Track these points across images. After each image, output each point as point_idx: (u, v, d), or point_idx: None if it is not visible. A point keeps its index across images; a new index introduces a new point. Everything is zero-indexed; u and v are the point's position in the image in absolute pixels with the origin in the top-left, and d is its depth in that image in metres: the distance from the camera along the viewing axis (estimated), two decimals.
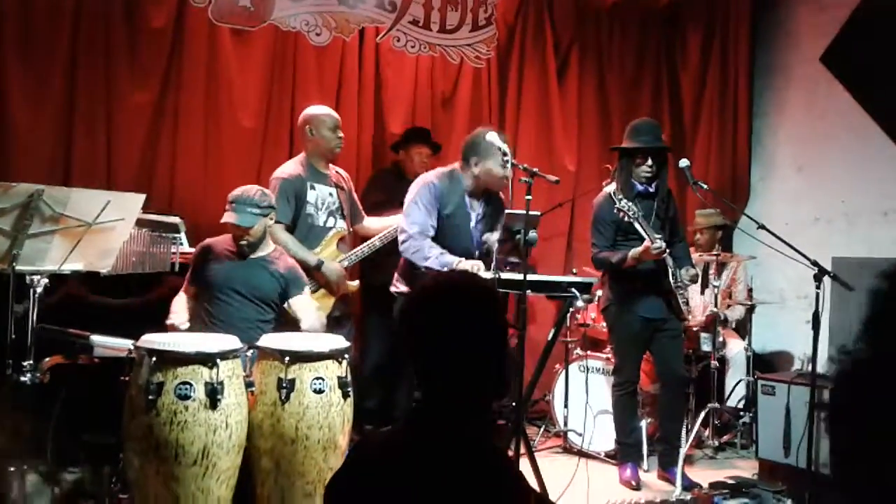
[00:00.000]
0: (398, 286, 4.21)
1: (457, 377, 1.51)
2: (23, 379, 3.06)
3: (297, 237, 4.18)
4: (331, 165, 4.43)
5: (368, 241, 4.41)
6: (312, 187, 4.26)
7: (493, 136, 3.97)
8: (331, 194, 4.33)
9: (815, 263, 4.06)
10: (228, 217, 3.60)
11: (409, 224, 4.03)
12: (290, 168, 4.27)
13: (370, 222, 4.58)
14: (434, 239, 4.04)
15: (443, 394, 1.52)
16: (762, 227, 4.20)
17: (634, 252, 4.14)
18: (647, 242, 4.07)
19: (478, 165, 4.07)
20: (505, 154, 3.86)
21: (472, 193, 4.15)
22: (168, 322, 3.52)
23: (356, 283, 4.39)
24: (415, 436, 1.51)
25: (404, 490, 1.42)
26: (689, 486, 4.15)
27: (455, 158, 5.36)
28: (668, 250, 4.18)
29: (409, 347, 1.56)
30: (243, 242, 3.66)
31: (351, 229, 4.45)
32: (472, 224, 4.16)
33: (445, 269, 3.84)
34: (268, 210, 3.69)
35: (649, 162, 4.27)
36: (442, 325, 1.53)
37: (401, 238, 4.06)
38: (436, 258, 3.92)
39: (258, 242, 3.70)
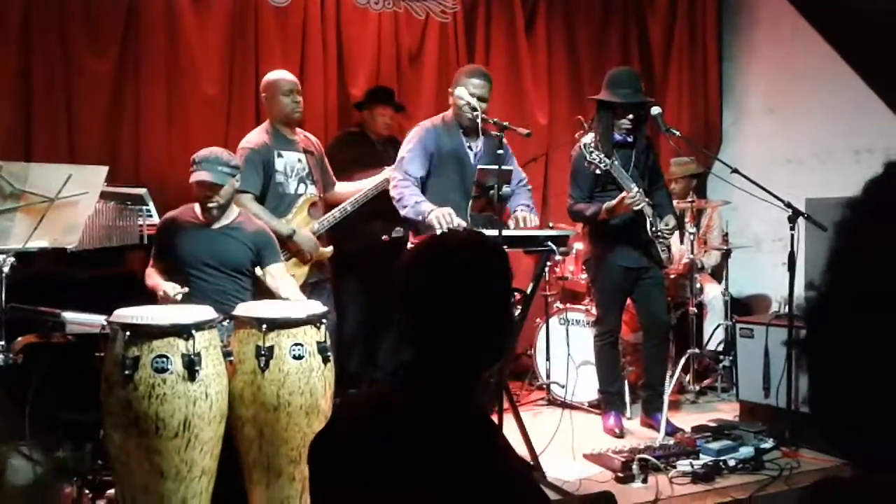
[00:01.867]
0: (412, 240, 4.18)
1: (454, 340, 1.45)
2: None
3: (267, 206, 4.13)
4: (298, 130, 4.36)
5: (340, 206, 4.35)
6: (280, 154, 4.19)
7: (466, 69, 4.05)
8: (300, 160, 4.26)
9: (788, 205, 4.08)
10: (200, 175, 3.50)
11: (397, 170, 4.07)
12: (256, 137, 4.19)
13: (341, 187, 4.52)
14: (432, 181, 4.06)
15: (436, 355, 1.46)
16: (735, 171, 4.20)
17: (608, 204, 4.14)
18: (624, 193, 4.05)
19: (451, 98, 4.09)
20: (473, 86, 3.94)
21: (466, 131, 4.11)
22: (161, 294, 3.44)
23: (329, 248, 4.34)
24: (402, 396, 1.47)
25: (388, 450, 1.39)
26: (672, 431, 4.20)
27: (424, 117, 5.30)
28: (646, 200, 4.17)
29: (406, 304, 1.49)
30: (212, 204, 3.54)
31: (322, 195, 4.38)
32: (472, 161, 4.11)
33: (419, 217, 3.83)
34: (235, 170, 3.61)
35: (630, 116, 4.24)
36: (445, 285, 1.45)
37: (392, 181, 4.07)
38: (411, 207, 3.91)
39: (227, 205, 3.62)
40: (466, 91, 4.00)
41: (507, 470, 1.39)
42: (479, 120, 3.88)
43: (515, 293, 1.62)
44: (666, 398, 4.42)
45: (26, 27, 4.45)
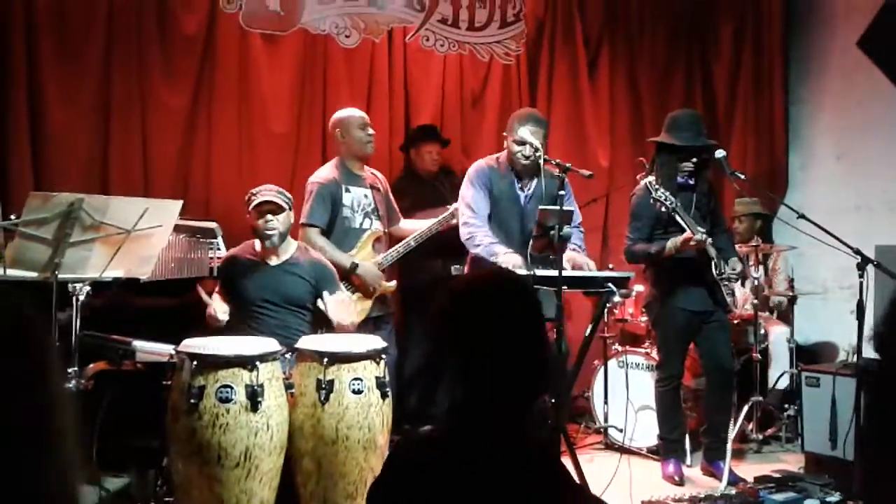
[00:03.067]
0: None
1: (495, 373, 1.48)
2: (68, 385, 3.11)
3: (333, 240, 4.22)
4: (366, 167, 4.45)
5: (403, 242, 4.43)
6: (347, 190, 4.29)
7: (519, 114, 4.11)
8: (366, 196, 4.36)
9: (857, 252, 3.98)
10: (263, 196, 3.64)
11: (465, 209, 4.15)
12: (325, 172, 4.32)
13: (406, 223, 4.60)
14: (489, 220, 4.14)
15: (482, 391, 1.50)
16: (802, 216, 4.12)
17: (674, 242, 4.09)
18: (687, 233, 4.02)
19: (505, 142, 4.16)
20: (527, 132, 4.00)
21: (519, 173, 4.16)
22: (208, 312, 3.54)
23: (393, 283, 4.40)
24: (456, 435, 1.49)
25: (445, 488, 1.40)
26: (734, 480, 4.09)
27: (484, 157, 5.38)
28: (709, 240, 4.12)
29: (448, 345, 1.55)
30: (272, 231, 3.65)
31: (387, 230, 4.46)
32: (522, 204, 4.16)
33: (491, 257, 3.89)
34: (290, 203, 3.74)
35: (693, 159, 4.21)
36: (478, 320, 1.51)
37: (462, 223, 4.15)
38: (485, 247, 4.00)
39: (285, 234, 3.72)
40: (513, 138, 4.09)
41: (570, 497, 1.40)
42: (541, 160, 3.90)
43: (546, 322, 1.67)
44: (729, 446, 4.31)
45: (106, 63, 4.66)
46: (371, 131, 4.39)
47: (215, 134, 4.91)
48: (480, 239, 4.02)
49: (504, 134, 4.23)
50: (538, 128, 4.09)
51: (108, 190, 4.44)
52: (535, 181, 4.19)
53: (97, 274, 3.11)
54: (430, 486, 1.43)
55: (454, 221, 4.36)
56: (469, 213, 4.11)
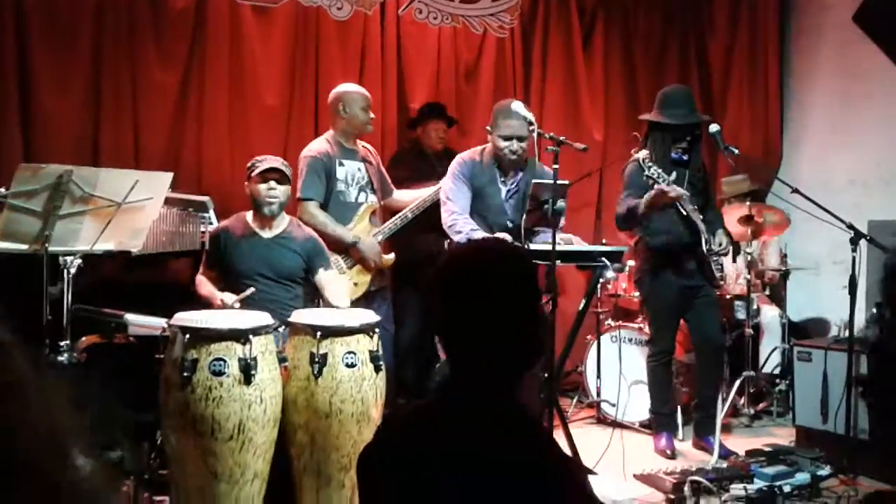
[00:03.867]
0: None
1: (490, 344, 1.46)
2: (60, 359, 3.10)
3: (329, 214, 4.20)
4: (358, 141, 4.43)
5: (400, 214, 4.43)
6: (341, 164, 4.28)
7: (502, 109, 3.98)
8: (359, 169, 4.35)
9: (850, 227, 3.99)
10: (271, 163, 3.61)
11: (450, 201, 4.11)
12: (319, 145, 4.28)
13: (400, 195, 4.59)
14: (470, 214, 4.11)
15: (475, 363, 1.48)
16: (796, 190, 4.12)
17: (648, 195, 4.06)
18: (660, 186, 3.98)
19: (490, 136, 4.11)
20: (509, 128, 3.91)
21: (501, 167, 4.13)
22: (219, 304, 3.50)
23: (391, 256, 4.41)
24: (446, 407, 1.48)
25: (436, 461, 1.40)
26: (725, 454, 4.12)
27: (480, 131, 5.33)
28: (686, 194, 4.08)
29: (440, 315, 1.51)
30: (274, 199, 3.62)
31: (381, 203, 4.45)
32: (503, 198, 4.14)
33: None
34: (290, 176, 3.72)
35: (688, 137, 4.20)
36: (474, 290, 1.47)
37: (444, 213, 4.12)
38: (465, 234, 3.97)
39: (285, 203, 3.69)
40: (499, 133, 4.05)
41: (557, 464, 1.39)
42: (535, 135, 3.87)
43: (542, 295, 1.64)
44: (719, 421, 4.35)
45: (97, 39, 4.60)
46: (373, 115, 4.41)
47: (206, 108, 4.86)
48: (461, 226, 4.01)
49: (487, 129, 4.18)
50: (520, 122, 3.99)
51: (98, 164, 4.39)
52: (518, 175, 4.16)
53: (88, 246, 3.09)
54: (419, 455, 1.42)
55: None
56: (450, 204, 4.10)
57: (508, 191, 4.17)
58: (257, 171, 3.62)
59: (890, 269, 0.79)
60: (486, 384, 1.47)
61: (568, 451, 3.65)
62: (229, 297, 3.48)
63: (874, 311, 0.82)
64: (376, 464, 1.49)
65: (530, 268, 1.56)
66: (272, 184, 3.61)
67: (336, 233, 4.08)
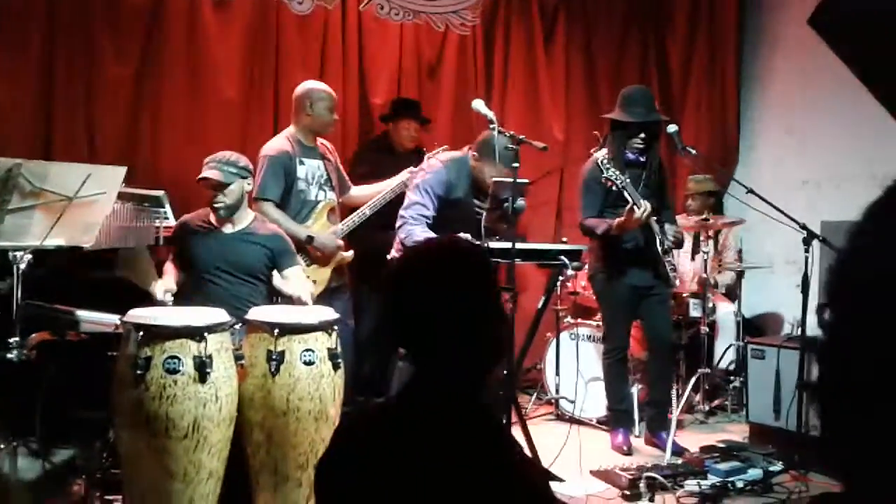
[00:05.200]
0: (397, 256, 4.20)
1: (451, 344, 1.43)
2: (9, 356, 3.02)
3: (289, 213, 4.18)
4: (316, 138, 4.40)
5: (358, 211, 4.41)
6: (301, 162, 4.24)
7: (492, 142, 3.92)
8: (319, 167, 4.33)
9: (803, 227, 4.07)
10: (206, 173, 3.56)
11: (408, 208, 4.03)
12: (278, 143, 4.24)
13: (357, 191, 4.57)
14: (439, 225, 4.01)
15: (436, 364, 1.44)
16: (751, 191, 4.19)
17: (618, 220, 4.12)
18: (628, 208, 4.03)
19: (478, 162, 4.05)
20: (497, 163, 3.83)
21: (478, 187, 4.11)
22: (152, 289, 3.46)
23: (350, 253, 4.39)
24: (407, 409, 1.45)
25: (395, 466, 1.37)
26: (678, 450, 4.18)
27: (442, 128, 5.35)
28: (654, 216, 4.15)
29: (398, 316, 1.47)
30: (219, 204, 3.57)
31: (339, 200, 4.42)
32: (478, 219, 4.11)
33: None
34: (244, 172, 3.65)
35: (642, 135, 4.25)
36: (433, 289, 1.44)
37: (399, 221, 4.06)
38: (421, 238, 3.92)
39: (235, 206, 3.63)
40: (492, 169, 3.93)
41: (524, 477, 1.38)
42: (495, 132, 3.86)
43: (503, 291, 1.61)
44: (674, 417, 4.40)
45: (49, 28, 4.51)
46: (336, 117, 4.38)
47: (163, 102, 4.79)
48: (417, 235, 3.93)
49: (473, 153, 4.08)
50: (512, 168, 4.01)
51: (50, 158, 4.31)
52: (486, 198, 4.14)
53: (38, 242, 3.02)
54: (378, 461, 1.39)
55: (406, 188, 4.34)
56: (411, 212, 4.01)
57: (485, 213, 4.15)
58: (199, 176, 3.57)
59: (832, 271, 0.80)
60: (448, 386, 1.43)
61: (527, 448, 3.67)
62: (160, 290, 3.45)
63: (817, 312, 0.83)
64: (335, 471, 1.46)
65: (489, 264, 1.53)
66: (213, 192, 3.57)
67: (290, 230, 4.03)
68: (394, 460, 1.38)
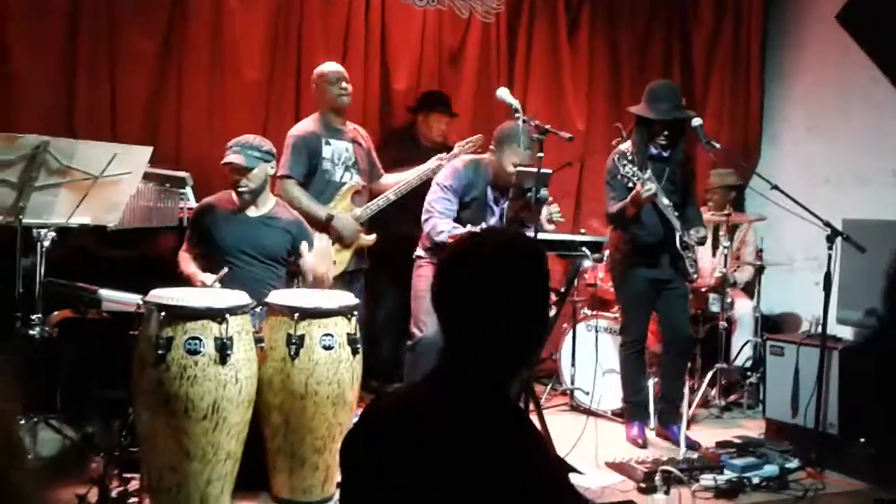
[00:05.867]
0: (421, 254, 4.21)
1: (493, 339, 1.41)
2: (31, 332, 3.05)
3: (313, 192, 4.21)
4: (348, 123, 4.46)
5: (382, 195, 4.43)
6: (328, 143, 4.30)
7: (512, 133, 3.91)
8: (347, 149, 4.37)
9: (827, 224, 4.03)
10: (229, 157, 3.56)
11: (433, 204, 4.06)
12: (305, 125, 4.33)
13: (388, 179, 4.58)
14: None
15: (473, 354, 1.42)
16: (775, 187, 4.16)
17: (627, 199, 4.12)
18: (638, 187, 4.01)
19: (496, 154, 4.06)
20: (522, 149, 3.81)
21: (496, 186, 4.10)
22: (199, 285, 3.45)
23: (373, 236, 4.40)
24: (436, 395, 1.44)
25: (422, 448, 1.37)
26: (689, 445, 4.17)
27: (463, 116, 5.33)
28: (654, 188, 4.09)
29: (443, 303, 1.46)
30: (243, 188, 3.58)
31: (365, 184, 4.44)
32: (495, 220, 4.11)
33: None
34: (268, 156, 3.65)
35: (666, 132, 4.22)
36: (485, 283, 1.41)
37: (424, 216, 4.08)
38: (447, 232, 3.94)
39: (259, 190, 3.64)
40: (512, 157, 3.95)
41: (544, 467, 1.37)
42: (520, 122, 3.84)
43: (552, 294, 1.59)
44: (686, 412, 4.39)
45: (73, 6, 4.50)
46: (345, 85, 4.37)
47: (186, 82, 4.78)
48: (442, 226, 3.96)
49: (490, 147, 4.13)
50: (533, 152, 3.98)
51: (73, 136, 4.30)
52: (505, 198, 4.13)
53: (63, 220, 3.04)
54: (402, 440, 1.39)
55: (434, 176, 4.37)
56: (437, 207, 4.04)
57: (501, 209, 4.15)
58: (222, 161, 3.57)
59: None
60: (481, 377, 1.42)
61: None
62: (209, 278, 3.44)
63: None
64: (361, 449, 1.46)
65: (544, 262, 1.50)
66: (236, 177, 3.58)
67: (309, 208, 4.10)
68: (417, 442, 1.38)
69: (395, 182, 4.50)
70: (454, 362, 1.46)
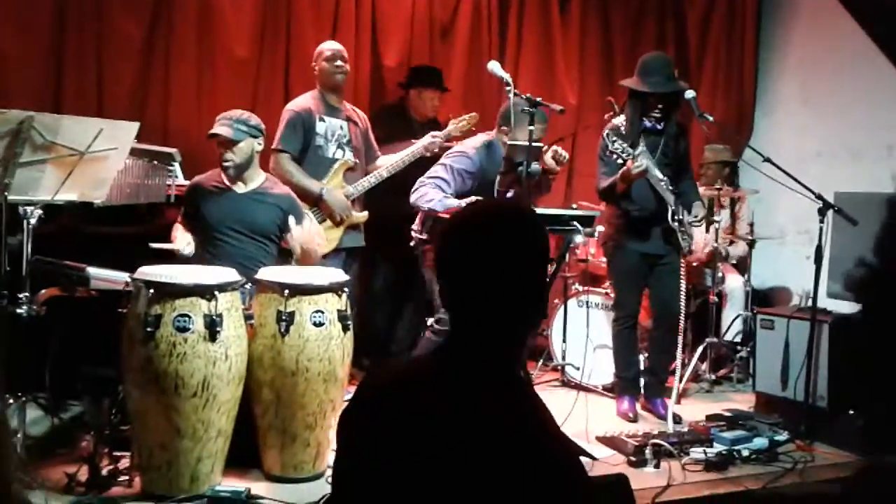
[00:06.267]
0: (419, 233, 4.22)
1: (495, 306, 1.41)
2: (19, 311, 3.02)
3: (306, 168, 4.21)
4: (346, 104, 4.47)
5: (375, 172, 4.42)
6: (322, 119, 4.29)
7: (518, 108, 3.89)
8: (341, 127, 4.36)
9: (819, 197, 4.03)
10: (216, 129, 3.56)
11: (430, 178, 4.08)
12: (302, 101, 4.33)
13: (382, 160, 4.56)
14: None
15: (476, 323, 1.42)
16: (768, 160, 4.14)
17: (618, 175, 4.11)
18: (629, 163, 4.00)
19: (509, 136, 4.05)
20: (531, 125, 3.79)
21: (511, 163, 4.08)
22: (171, 247, 3.46)
23: (364, 213, 4.40)
24: (439, 368, 1.43)
25: (420, 423, 1.35)
26: (676, 419, 4.18)
27: (454, 92, 5.29)
28: (645, 165, 4.07)
29: (445, 272, 1.46)
30: (228, 162, 3.57)
31: (357, 161, 4.41)
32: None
33: (447, 209, 3.85)
34: (255, 131, 3.63)
35: (660, 105, 4.19)
36: (483, 251, 1.41)
37: (416, 185, 4.10)
38: (438, 200, 3.94)
39: (244, 165, 3.62)
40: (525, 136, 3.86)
41: (550, 439, 1.35)
42: (511, 96, 3.82)
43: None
44: (676, 388, 4.41)
45: None
46: (339, 63, 4.35)
47: (174, 59, 4.74)
48: (432, 195, 3.99)
49: (503, 128, 4.13)
50: (544, 125, 3.99)
51: (61, 113, 4.26)
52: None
53: (49, 196, 3.01)
54: (402, 414, 1.37)
55: (427, 154, 4.43)
56: (432, 181, 4.06)
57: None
58: (209, 133, 3.56)
59: None
60: (485, 346, 1.41)
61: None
62: (181, 241, 3.46)
63: None
64: (359, 423, 1.44)
65: (543, 229, 1.50)
66: (222, 150, 3.55)
67: (302, 183, 4.11)
68: (418, 414, 1.36)
69: (387, 162, 4.49)
70: (457, 332, 1.45)
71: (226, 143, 3.54)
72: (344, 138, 4.35)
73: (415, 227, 4.29)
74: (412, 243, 4.31)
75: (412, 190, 4.10)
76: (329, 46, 4.40)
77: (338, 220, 4.22)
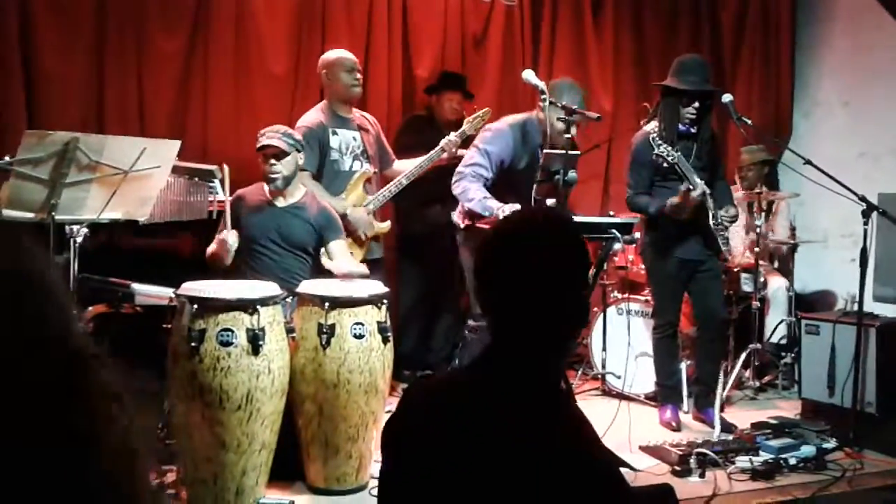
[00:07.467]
0: (458, 219, 4.22)
1: (538, 316, 1.41)
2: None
3: (323, 183, 4.19)
4: (354, 110, 4.42)
5: (394, 181, 4.38)
6: (335, 132, 4.26)
7: (560, 84, 3.88)
8: (354, 138, 4.34)
9: (863, 199, 3.96)
10: (267, 141, 3.59)
11: (467, 165, 4.08)
12: (311, 116, 4.28)
13: (399, 165, 4.55)
14: (500, 190, 4.01)
15: (519, 333, 1.42)
16: (808, 162, 4.08)
17: (672, 201, 4.05)
18: (684, 186, 3.97)
19: (539, 111, 4.03)
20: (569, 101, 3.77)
21: (550, 143, 4.07)
22: (218, 237, 3.50)
23: (387, 223, 4.39)
24: (482, 376, 1.43)
25: (463, 435, 1.35)
26: (726, 427, 4.12)
27: (486, 101, 5.28)
28: (708, 191, 4.08)
29: (486, 281, 1.47)
30: (276, 174, 3.61)
31: (376, 171, 4.42)
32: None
33: (486, 213, 3.84)
34: (300, 146, 3.69)
35: (695, 104, 4.15)
36: (531, 261, 1.42)
37: (456, 176, 4.09)
38: (479, 201, 3.93)
39: (290, 177, 3.66)
40: (558, 113, 3.87)
41: (593, 452, 1.35)
42: (546, 105, 3.82)
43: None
44: (719, 395, 4.34)
45: (100, 6, 4.53)
46: (358, 75, 4.34)
47: (212, 77, 4.81)
48: (473, 193, 3.98)
49: (539, 104, 4.03)
50: (581, 97, 3.96)
51: (103, 132, 4.35)
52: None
53: (94, 215, 3.07)
54: (445, 425, 1.38)
55: (444, 155, 4.38)
56: (469, 170, 4.05)
57: None
58: (257, 145, 3.60)
59: None
60: (526, 356, 1.42)
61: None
62: (231, 235, 3.48)
63: None
64: (403, 434, 1.46)
65: (581, 237, 1.51)
66: (271, 161, 3.60)
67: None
68: (461, 428, 1.36)
69: (405, 168, 4.47)
70: (499, 343, 1.45)
71: (278, 154, 3.59)
72: (359, 149, 4.32)
73: (456, 214, 4.27)
74: (455, 231, 4.28)
75: (453, 181, 4.09)
76: (344, 55, 4.34)
77: (362, 238, 4.21)
